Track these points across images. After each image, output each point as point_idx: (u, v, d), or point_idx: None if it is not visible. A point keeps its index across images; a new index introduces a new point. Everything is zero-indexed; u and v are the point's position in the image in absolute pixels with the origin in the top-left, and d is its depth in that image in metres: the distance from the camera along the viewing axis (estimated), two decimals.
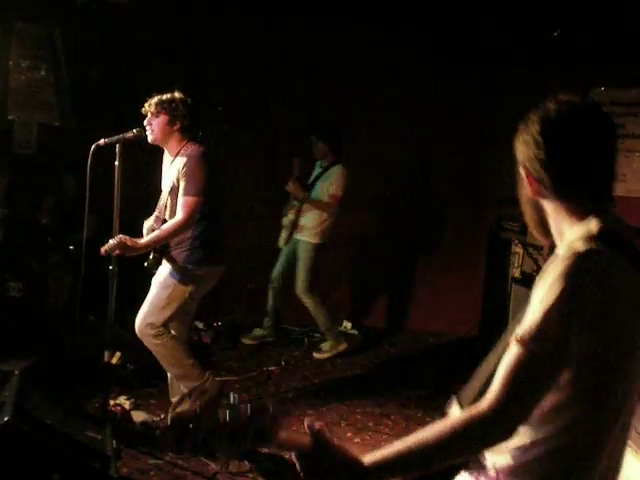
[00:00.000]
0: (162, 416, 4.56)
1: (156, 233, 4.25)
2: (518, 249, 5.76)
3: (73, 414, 3.91)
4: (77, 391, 4.78)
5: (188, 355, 4.53)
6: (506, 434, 1.54)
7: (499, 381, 1.54)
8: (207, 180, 4.27)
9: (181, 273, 4.36)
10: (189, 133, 4.41)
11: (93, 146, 4.07)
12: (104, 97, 6.61)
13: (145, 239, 4.24)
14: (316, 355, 6.47)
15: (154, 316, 4.37)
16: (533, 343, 1.52)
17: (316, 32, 6.80)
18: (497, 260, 6.53)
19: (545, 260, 5.18)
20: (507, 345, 1.63)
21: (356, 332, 7.37)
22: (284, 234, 6.51)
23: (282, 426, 1.58)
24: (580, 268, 1.53)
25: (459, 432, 1.54)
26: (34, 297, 5.76)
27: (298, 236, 6.44)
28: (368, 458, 1.58)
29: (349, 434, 4.74)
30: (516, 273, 5.81)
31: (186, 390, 4.47)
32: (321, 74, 7.03)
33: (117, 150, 4.09)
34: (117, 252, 4.08)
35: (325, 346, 6.54)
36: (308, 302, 6.44)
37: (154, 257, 4.34)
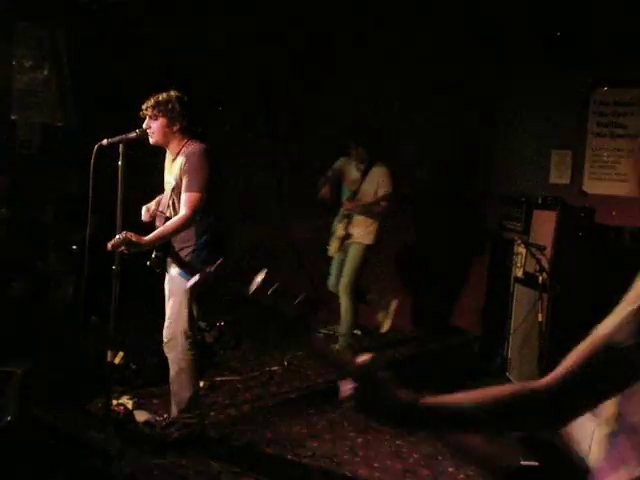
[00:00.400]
0: (165, 416, 4.56)
1: (160, 229, 4.24)
2: (521, 249, 5.75)
3: (76, 414, 3.92)
4: (80, 391, 4.79)
5: (197, 385, 4.56)
6: (565, 420, 1.44)
7: (572, 362, 1.41)
8: (209, 177, 4.27)
9: (191, 274, 4.34)
10: (189, 132, 4.41)
11: (96, 146, 4.07)
12: (107, 96, 6.62)
13: (150, 235, 4.23)
14: (338, 346, 6.50)
15: (184, 323, 4.37)
16: None
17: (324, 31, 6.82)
18: (499, 260, 6.54)
19: (547, 260, 5.10)
20: None
21: (358, 332, 7.37)
22: (335, 244, 6.55)
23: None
24: None
25: (517, 400, 1.43)
26: (37, 297, 5.77)
27: (349, 242, 6.47)
28: (421, 399, 1.52)
29: (351, 434, 4.74)
30: (519, 273, 5.81)
31: (173, 409, 4.49)
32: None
33: (120, 150, 4.09)
34: (122, 248, 4.08)
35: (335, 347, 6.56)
36: (344, 301, 6.46)
37: (156, 256, 4.33)
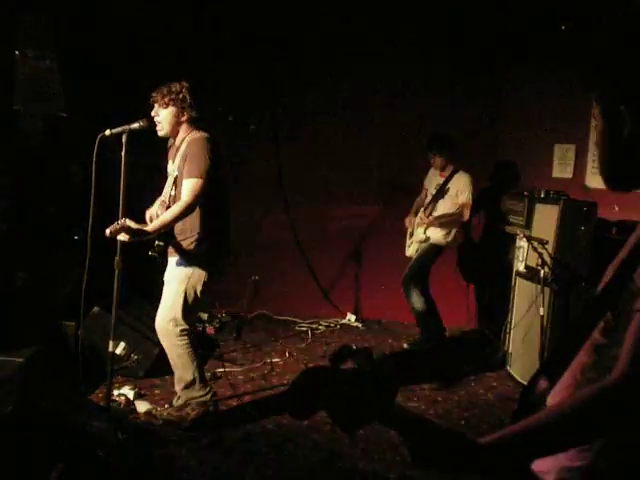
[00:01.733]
0: (166, 406, 4.57)
1: (162, 217, 4.22)
2: (523, 243, 5.75)
3: (77, 404, 3.93)
4: (81, 381, 4.80)
5: (199, 361, 4.54)
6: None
7: (630, 350, 1.35)
8: (211, 163, 4.23)
9: (191, 264, 4.35)
10: (196, 123, 4.40)
11: (99, 137, 4.07)
12: (110, 87, 6.61)
13: (152, 224, 4.21)
14: (406, 345, 6.62)
15: (174, 311, 4.36)
16: None
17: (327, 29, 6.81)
18: (501, 254, 6.54)
19: (549, 255, 5.11)
20: (588, 324, 1.52)
21: (360, 325, 7.39)
22: (414, 246, 6.59)
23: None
24: None
25: (590, 404, 1.36)
26: (40, 287, 5.77)
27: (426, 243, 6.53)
28: (483, 439, 1.39)
29: None
30: (520, 267, 5.81)
31: (182, 394, 4.49)
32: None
33: (123, 140, 4.09)
34: (122, 237, 4.06)
35: (416, 340, 6.64)
36: (406, 292, 6.50)
37: (158, 245, 4.30)
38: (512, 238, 6.10)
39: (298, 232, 7.43)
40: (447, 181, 6.46)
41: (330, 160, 7.27)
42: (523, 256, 5.76)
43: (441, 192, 6.47)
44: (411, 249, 6.63)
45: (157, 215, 4.32)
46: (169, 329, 4.37)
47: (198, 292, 4.38)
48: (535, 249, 5.22)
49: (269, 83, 7.15)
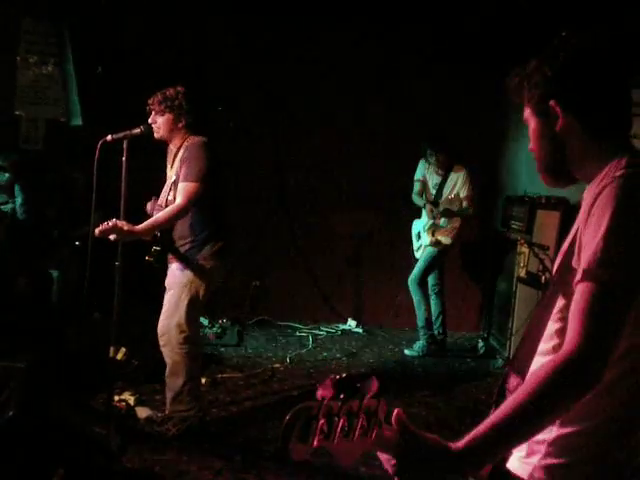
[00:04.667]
0: (163, 413, 4.56)
1: (154, 218, 4.19)
2: (524, 249, 5.75)
3: (78, 409, 3.92)
4: (82, 386, 4.79)
5: (199, 375, 4.53)
6: (597, 374, 1.39)
7: (576, 321, 1.42)
8: (208, 168, 4.22)
9: (192, 269, 4.33)
10: (193, 129, 4.40)
11: (100, 142, 4.06)
12: (111, 93, 6.62)
13: (143, 224, 4.16)
14: (407, 352, 6.62)
15: (179, 317, 4.32)
16: (605, 269, 1.40)
17: (320, 32, 6.82)
18: (503, 260, 6.54)
19: (551, 260, 5.13)
20: (550, 303, 1.56)
21: (361, 330, 7.39)
22: (422, 249, 6.63)
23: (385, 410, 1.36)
24: (630, 185, 1.44)
25: (548, 382, 1.40)
26: (40, 292, 5.77)
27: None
28: (458, 442, 1.43)
29: None
30: (522, 273, 5.81)
31: (169, 404, 4.45)
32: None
33: (124, 146, 4.08)
34: (113, 237, 4.00)
35: (416, 346, 6.63)
36: (413, 294, 6.59)
37: (155, 250, 4.29)
38: (513, 243, 6.10)
39: (299, 238, 7.44)
40: (445, 179, 6.52)
41: (330, 165, 7.28)
42: (524, 262, 5.76)
43: (441, 190, 6.51)
44: (419, 252, 6.67)
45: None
46: (172, 335, 4.35)
47: (200, 297, 4.36)
48: (536, 255, 5.22)
49: (270, 94, 7.17)
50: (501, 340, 6.27)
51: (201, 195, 4.22)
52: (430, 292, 6.68)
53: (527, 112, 1.67)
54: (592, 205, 1.47)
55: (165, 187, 4.45)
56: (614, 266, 1.40)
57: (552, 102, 1.59)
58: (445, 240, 6.49)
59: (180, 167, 4.26)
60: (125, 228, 4.00)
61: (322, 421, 1.25)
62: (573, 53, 1.59)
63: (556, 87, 1.59)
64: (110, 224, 3.97)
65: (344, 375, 1.30)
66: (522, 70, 1.65)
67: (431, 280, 6.69)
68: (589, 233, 1.45)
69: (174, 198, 4.30)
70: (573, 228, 1.59)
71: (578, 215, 1.56)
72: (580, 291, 1.43)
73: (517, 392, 1.45)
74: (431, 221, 6.52)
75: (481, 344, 6.65)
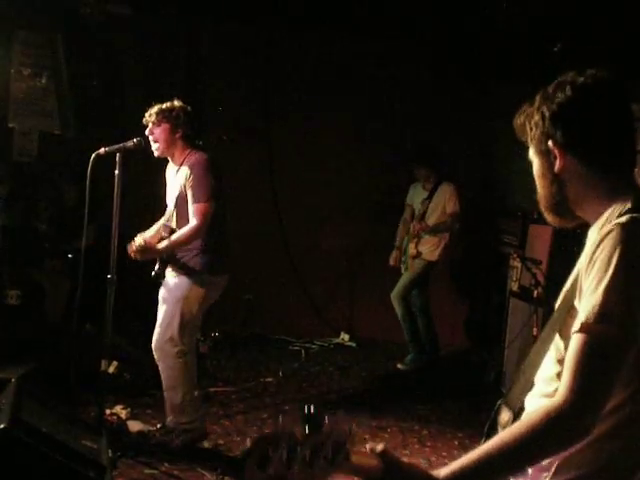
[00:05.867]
0: (158, 426, 4.54)
1: (173, 238, 4.22)
2: (516, 263, 5.76)
3: (69, 423, 3.90)
4: (74, 400, 4.76)
5: (195, 385, 4.50)
6: (587, 428, 1.42)
7: (570, 374, 1.43)
8: (215, 184, 4.28)
9: (190, 282, 4.33)
10: (191, 141, 4.41)
11: (93, 155, 4.06)
12: (105, 106, 6.63)
13: (162, 244, 4.22)
14: (399, 365, 6.61)
15: (173, 331, 4.30)
16: (602, 325, 1.41)
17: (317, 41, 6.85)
18: (495, 273, 6.55)
19: (543, 275, 5.14)
20: (548, 339, 1.58)
21: (354, 344, 7.38)
22: (408, 262, 6.61)
23: (356, 442, 1.36)
24: (632, 236, 1.44)
25: (538, 431, 1.42)
26: (32, 305, 5.75)
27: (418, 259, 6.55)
28: (444, 471, 1.45)
29: None
30: (514, 287, 5.81)
31: (170, 417, 4.44)
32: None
33: (117, 159, 4.08)
34: (138, 256, 4.14)
35: (407, 359, 6.62)
36: (397, 308, 6.58)
37: (161, 267, 4.32)
38: (506, 257, 6.11)
39: (291, 251, 7.43)
40: (432, 194, 6.51)
41: (322, 179, 7.28)
42: (517, 276, 5.77)
43: (428, 205, 6.50)
44: (404, 265, 6.67)
45: (162, 238, 4.29)
46: (166, 349, 4.33)
47: (195, 311, 4.35)
48: (529, 269, 5.23)
49: (264, 106, 7.19)
50: (494, 354, 6.26)
51: (214, 212, 4.28)
52: (416, 311, 6.64)
53: (531, 151, 1.67)
54: (594, 252, 1.47)
55: (169, 204, 4.47)
56: (612, 323, 1.41)
57: (550, 142, 1.59)
58: (429, 256, 6.48)
59: (185, 185, 4.27)
60: (154, 248, 4.08)
61: (283, 450, 1.24)
62: (571, 92, 1.57)
63: (554, 127, 1.58)
64: (143, 244, 4.04)
65: (312, 407, 1.30)
66: (527, 108, 1.65)
67: (415, 299, 6.65)
68: (590, 282, 1.46)
69: (179, 214, 4.34)
70: (576, 267, 1.59)
71: (580, 256, 1.57)
72: (577, 342, 1.44)
73: (508, 432, 1.48)
74: (415, 234, 6.53)
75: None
